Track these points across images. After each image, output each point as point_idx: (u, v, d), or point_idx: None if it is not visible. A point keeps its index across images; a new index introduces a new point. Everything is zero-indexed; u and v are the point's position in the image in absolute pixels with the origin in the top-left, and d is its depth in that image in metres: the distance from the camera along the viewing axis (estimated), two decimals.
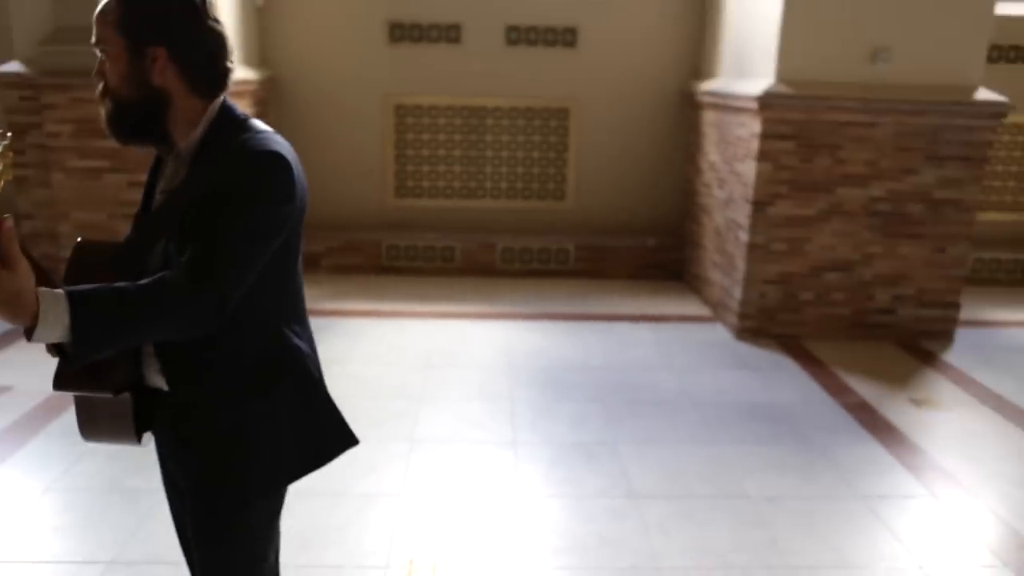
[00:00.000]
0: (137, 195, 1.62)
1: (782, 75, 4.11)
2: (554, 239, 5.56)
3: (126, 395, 1.43)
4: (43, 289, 1.13)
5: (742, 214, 4.38)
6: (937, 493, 2.87)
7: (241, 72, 4.67)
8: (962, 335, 4.52)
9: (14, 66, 4.39)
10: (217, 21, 1.43)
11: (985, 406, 3.66)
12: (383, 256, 5.49)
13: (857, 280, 4.40)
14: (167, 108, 1.41)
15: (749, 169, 4.29)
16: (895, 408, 3.59)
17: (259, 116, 5.01)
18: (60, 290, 1.15)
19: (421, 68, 5.40)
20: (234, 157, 1.36)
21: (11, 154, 1.07)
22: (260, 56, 5.21)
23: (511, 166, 5.59)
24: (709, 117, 5.01)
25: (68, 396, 1.46)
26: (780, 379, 3.90)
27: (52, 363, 1.30)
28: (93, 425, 1.51)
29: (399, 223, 5.60)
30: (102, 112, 1.43)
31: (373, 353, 4.07)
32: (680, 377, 3.88)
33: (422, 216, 5.61)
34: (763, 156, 4.18)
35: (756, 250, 4.31)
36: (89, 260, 1.43)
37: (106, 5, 1.39)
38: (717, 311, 4.78)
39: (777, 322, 4.42)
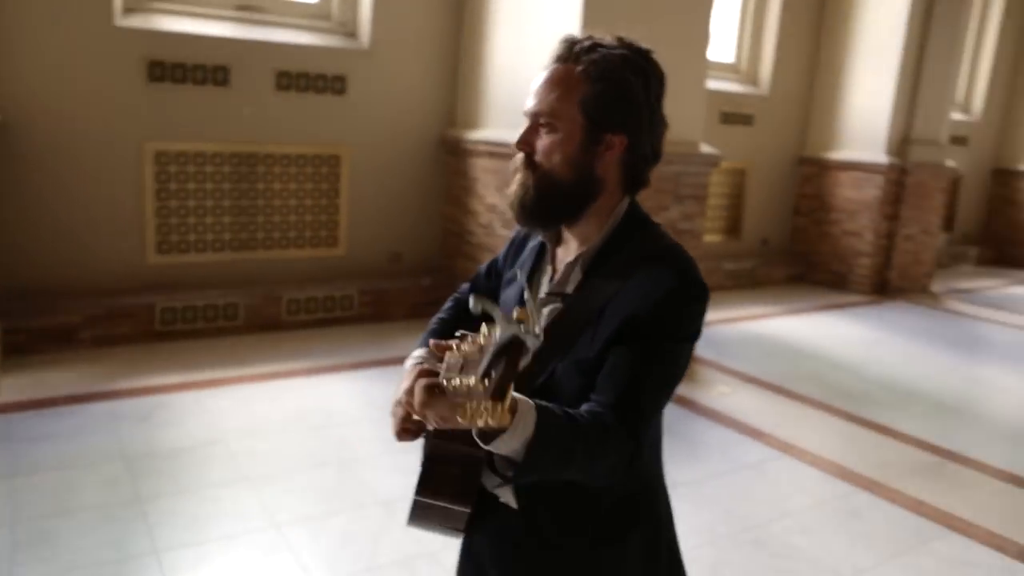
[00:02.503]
0: None
1: None
2: (338, 286, 5.51)
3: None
4: (519, 396, 1.01)
5: None
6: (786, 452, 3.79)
7: None
8: None
9: None
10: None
11: (751, 385, 4.77)
12: (157, 321, 4.87)
13: None
14: (594, 200, 1.26)
15: None
16: (707, 397, 4.50)
17: None
18: (530, 400, 1.04)
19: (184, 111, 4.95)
20: (659, 279, 1.18)
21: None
22: None
23: (284, 214, 5.41)
24: (485, 164, 5.51)
25: None
26: None
27: None
28: (422, 517, 1.43)
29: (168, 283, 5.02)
30: (516, 186, 1.27)
31: (232, 428, 3.72)
32: None
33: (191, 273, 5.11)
34: None
35: None
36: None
37: (565, 75, 1.23)
38: None
39: None
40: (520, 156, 1.27)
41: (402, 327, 5.51)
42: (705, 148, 5.43)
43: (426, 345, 1.49)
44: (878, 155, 7.51)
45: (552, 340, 1.20)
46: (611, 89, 1.22)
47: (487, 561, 1.45)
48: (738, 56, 7.68)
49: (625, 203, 1.31)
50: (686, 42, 5.16)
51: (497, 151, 5.37)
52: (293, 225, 5.46)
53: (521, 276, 1.39)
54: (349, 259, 5.70)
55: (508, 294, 1.44)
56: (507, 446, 1.02)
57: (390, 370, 4.61)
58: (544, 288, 1.36)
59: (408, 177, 5.87)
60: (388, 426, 3.64)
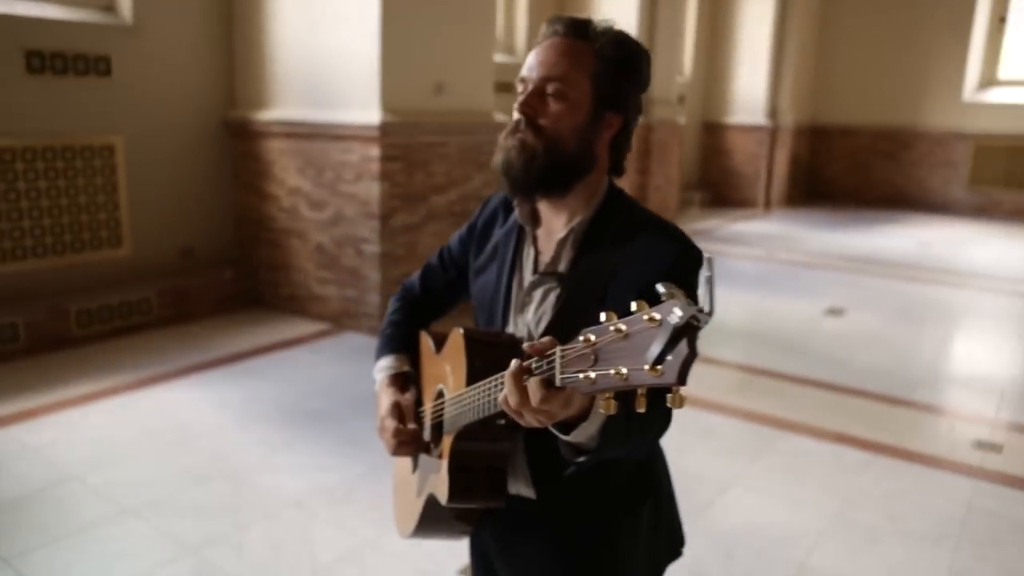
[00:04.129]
0: None
1: (385, 106, 4.77)
2: (133, 289, 4.96)
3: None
4: None
5: (366, 228, 4.90)
6: None
7: None
8: None
9: None
10: None
11: None
12: None
13: None
14: (587, 174, 1.27)
15: (368, 188, 4.83)
16: None
17: None
18: None
19: None
20: (663, 248, 1.20)
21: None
22: None
23: (55, 216, 4.73)
24: (281, 145, 5.24)
25: None
26: None
27: None
28: (431, 526, 1.43)
29: None
30: (511, 151, 1.23)
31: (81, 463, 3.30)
32: None
33: None
34: (382, 176, 4.78)
35: (385, 258, 4.91)
36: (484, 358, 1.23)
37: (578, 49, 1.22)
38: (341, 322, 5.17)
39: None
40: (520, 120, 1.24)
41: (211, 325, 5.13)
42: (499, 117, 5.66)
43: (389, 353, 1.51)
44: None
45: (561, 325, 1.19)
46: (623, 69, 1.24)
47: (494, 555, 1.43)
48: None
49: (607, 181, 1.31)
50: (477, 16, 5.32)
51: (295, 131, 5.15)
52: (67, 227, 4.80)
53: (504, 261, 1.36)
54: (137, 259, 5.16)
55: (485, 280, 1.41)
56: (585, 432, 1.00)
57: (222, 372, 4.30)
58: (529, 270, 1.33)
59: (191, 164, 5.42)
60: (256, 428, 3.51)
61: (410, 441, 1.37)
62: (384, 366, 1.50)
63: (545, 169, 1.22)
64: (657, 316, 0.76)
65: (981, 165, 11.29)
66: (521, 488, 1.30)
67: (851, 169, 12.40)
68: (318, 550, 2.67)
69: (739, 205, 11.43)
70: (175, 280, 5.21)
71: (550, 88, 1.21)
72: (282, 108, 5.27)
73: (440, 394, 1.36)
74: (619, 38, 1.25)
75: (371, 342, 4.89)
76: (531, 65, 1.25)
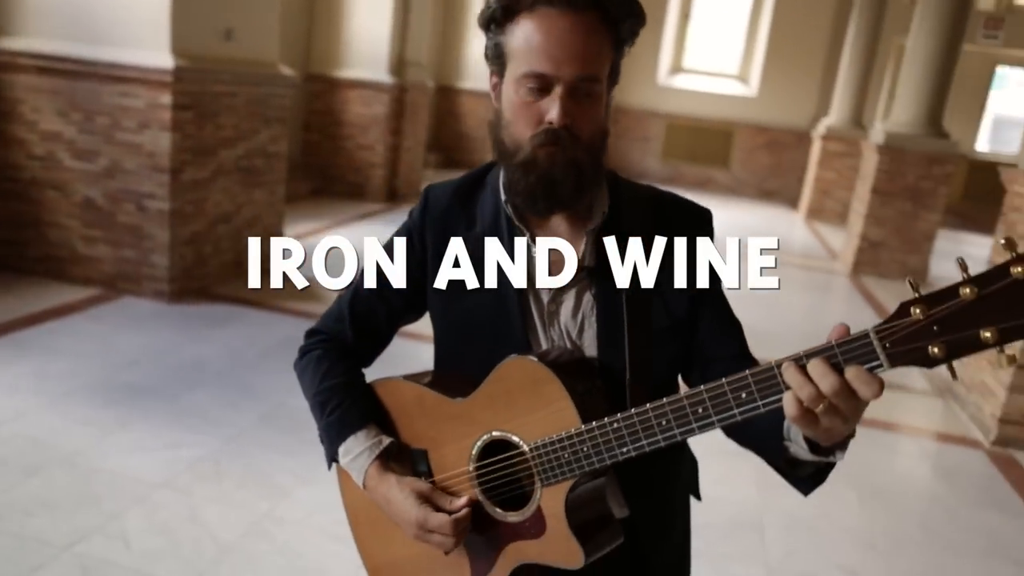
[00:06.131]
0: None
1: (176, 49, 4.33)
2: None
3: None
4: None
5: (152, 183, 4.44)
6: None
7: None
8: None
9: None
10: None
11: None
12: None
13: (234, 228, 5.09)
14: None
15: (155, 139, 4.37)
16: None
17: None
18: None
19: None
20: (692, 219, 1.15)
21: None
22: None
23: None
24: (33, 81, 4.50)
25: None
26: (240, 325, 4.48)
27: None
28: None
29: None
30: (559, 165, 1.03)
31: None
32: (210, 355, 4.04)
33: None
34: (174, 126, 4.36)
35: (175, 215, 4.50)
36: (583, 384, 1.07)
37: (598, 23, 1.01)
38: (116, 285, 4.64)
39: (194, 277, 4.75)
40: (561, 134, 1.02)
41: None
42: (285, 70, 5.41)
43: (358, 428, 1.17)
44: (382, 75, 8.26)
45: (622, 321, 1.11)
46: (634, 36, 1.07)
47: None
48: None
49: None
50: None
51: (55, 67, 4.47)
52: None
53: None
54: None
55: (476, 299, 1.16)
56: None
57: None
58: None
59: None
60: (70, 409, 3.47)
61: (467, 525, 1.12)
62: (360, 449, 1.15)
63: (591, 182, 1.08)
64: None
65: (671, 141, 13.05)
66: (610, 509, 1.15)
67: None
68: (216, 530, 2.53)
69: (471, 167, 11.92)
70: None
71: (584, 88, 1.02)
72: (35, 37, 4.51)
73: (502, 445, 1.10)
74: None
75: (159, 307, 4.48)
76: (555, 56, 0.99)
